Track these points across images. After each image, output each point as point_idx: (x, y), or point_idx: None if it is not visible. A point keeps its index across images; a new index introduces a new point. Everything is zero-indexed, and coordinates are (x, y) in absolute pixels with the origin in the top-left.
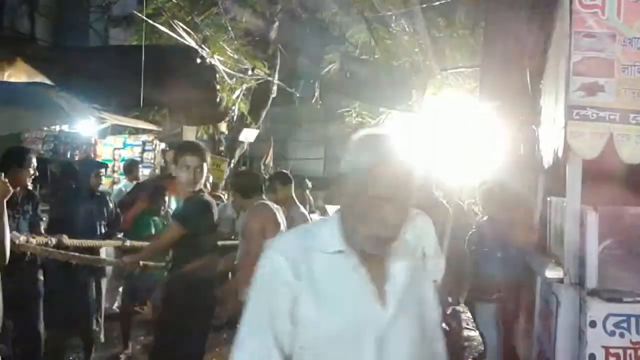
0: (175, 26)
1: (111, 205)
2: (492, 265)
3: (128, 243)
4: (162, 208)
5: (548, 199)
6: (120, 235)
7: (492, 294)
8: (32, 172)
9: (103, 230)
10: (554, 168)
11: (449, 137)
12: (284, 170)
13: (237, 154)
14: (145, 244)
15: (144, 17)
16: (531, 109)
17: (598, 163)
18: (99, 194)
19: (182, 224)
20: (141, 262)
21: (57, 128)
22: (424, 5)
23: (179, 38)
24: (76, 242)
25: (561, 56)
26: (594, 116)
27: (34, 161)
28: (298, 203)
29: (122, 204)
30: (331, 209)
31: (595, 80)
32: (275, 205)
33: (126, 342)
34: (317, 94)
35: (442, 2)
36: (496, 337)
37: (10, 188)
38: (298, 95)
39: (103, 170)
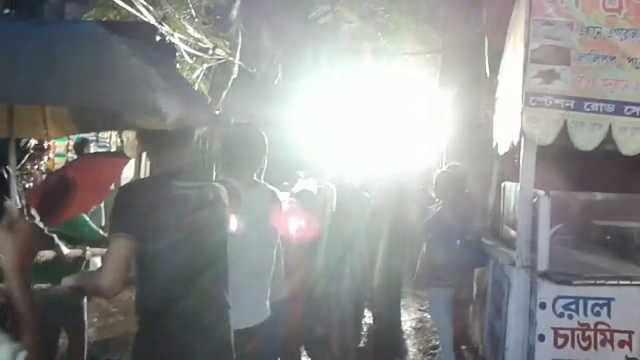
0: (134, 2)
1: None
2: (450, 251)
3: (89, 251)
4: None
5: (502, 184)
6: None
7: (448, 279)
8: None
9: None
10: (509, 154)
11: (406, 121)
12: None
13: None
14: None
15: None
16: (488, 97)
17: (551, 149)
18: None
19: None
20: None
21: None
22: None
23: (138, 14)
24: None
25: (518, 44)
26: (550, 103)
27: None
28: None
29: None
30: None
31: (552, 67)
32: None
33: None
34: (279, 75)
35: None
36: (448, 320)
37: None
38: (259, 76)
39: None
